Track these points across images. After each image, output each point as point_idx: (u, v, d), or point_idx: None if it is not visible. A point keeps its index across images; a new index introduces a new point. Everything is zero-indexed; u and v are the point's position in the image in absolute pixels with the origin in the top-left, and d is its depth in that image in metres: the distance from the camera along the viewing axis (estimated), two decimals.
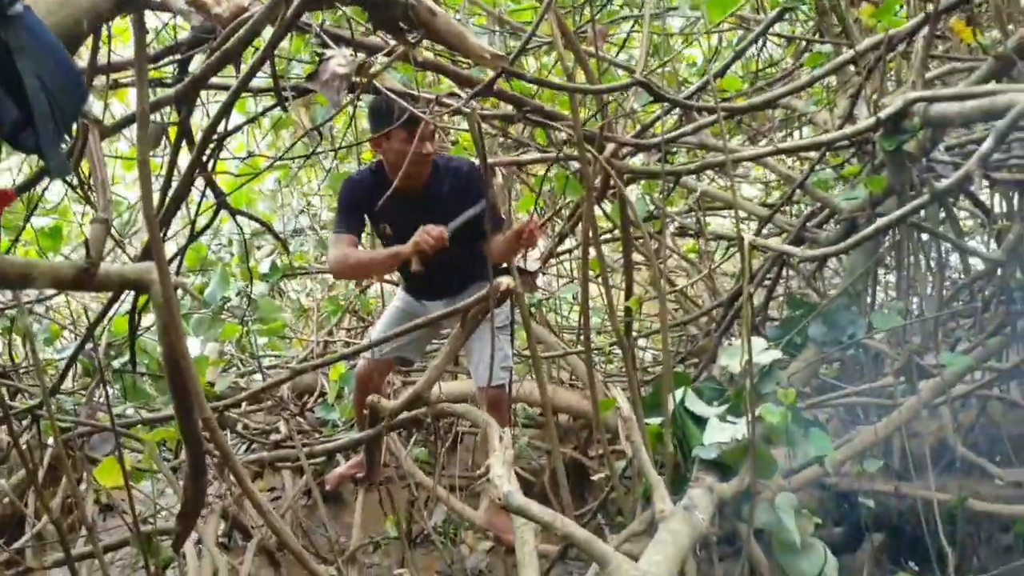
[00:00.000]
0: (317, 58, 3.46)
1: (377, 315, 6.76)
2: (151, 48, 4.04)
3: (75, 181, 3.93)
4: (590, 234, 4.16)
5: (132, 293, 4.00)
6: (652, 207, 6.10)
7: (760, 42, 6.38)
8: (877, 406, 5.10)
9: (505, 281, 4.32)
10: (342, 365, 6.31)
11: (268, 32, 3.01)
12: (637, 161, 5.29)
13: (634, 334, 5.60)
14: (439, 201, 5.11)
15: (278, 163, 6.73)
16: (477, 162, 4.80)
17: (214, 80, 3.67)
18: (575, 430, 7.63)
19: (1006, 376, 5.51)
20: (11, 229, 5.56)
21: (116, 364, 5.76)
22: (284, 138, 8.05)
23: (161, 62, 4.01)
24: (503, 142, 6.81)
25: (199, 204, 4.47)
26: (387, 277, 6.95)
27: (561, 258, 8.20)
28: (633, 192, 6.34)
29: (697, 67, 7.32)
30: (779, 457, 3.61)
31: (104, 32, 3.35)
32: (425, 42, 3.52)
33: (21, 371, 6.17)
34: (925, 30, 4.21)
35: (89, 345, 5.07)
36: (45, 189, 5.17)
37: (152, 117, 3.72)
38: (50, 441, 5.32)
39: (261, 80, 4.04)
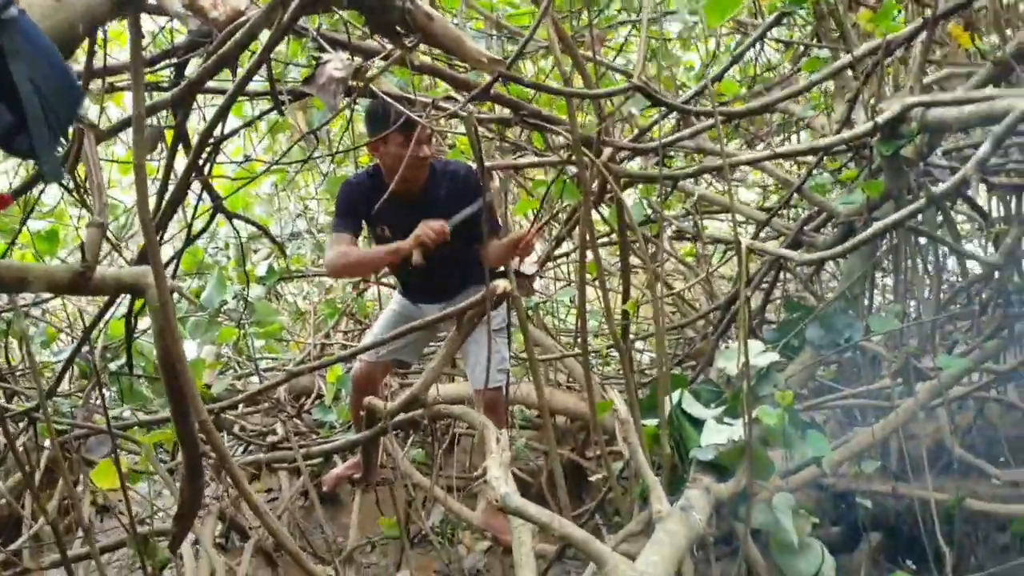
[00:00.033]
0: (314, 62, 3.46)
1: (374, 318, 6.76)
2: (147, 52, 4.05)
3: (71, 185, 3.93)
4: (587, 238, 4.16)
5: (128, 296, 4.00)
6: (649, 211, 6.11)
7: (758, 46, 6.39)
8: (874, 408, 5.10)
9: (501, 284, 4.33)
10: (339, 367, 6.32)
11: (265, 36, 3.01)
12: (634, 165, 5.29)
13: (631, 337, 5.61)
14: (436, 204, 5.11)
15: (275, 167, 6.73)
16: (474, 166, 4.81)
17: (210, 84, 3.67)
18: (572, 432, 7.63)
19: (1003, 378, 5.52)
20: (7, 232, 5.56)
21: (113, 367, 5.76)
22: (281, 142, 8.05)
23: (157, 66, 4.02)
24: (500, 146, 6.81)
25: (195, 208, 4.48)
26: (384, 280, 6.95)
27: (558, 261, 8.21)
28: (631, 196, 6.35)
29: (695, 71, 7.32)
30: (776, 458, 3.61)
31: (100, 35, 3.35)
32: (422, 46, 3.52)
33: (18, 374, 6.17)
34: (923, 35, 4.22)
35: (86, 348, 5.08)
36: (41, 192, 5.18)
37: (148, 121, 3.73)
38: (47, 443, 5.32)
39: (258, 84, 4.04)
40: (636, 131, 5.36)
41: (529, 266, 5.20)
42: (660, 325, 3.99)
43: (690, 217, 7.72)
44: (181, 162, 3.80)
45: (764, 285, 5.74)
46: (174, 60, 3.85)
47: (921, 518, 4.47)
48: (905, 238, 5.19)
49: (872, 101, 4.46)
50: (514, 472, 4.59)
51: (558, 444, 6.41)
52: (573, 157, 3.93)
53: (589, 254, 4.20)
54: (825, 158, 5.51)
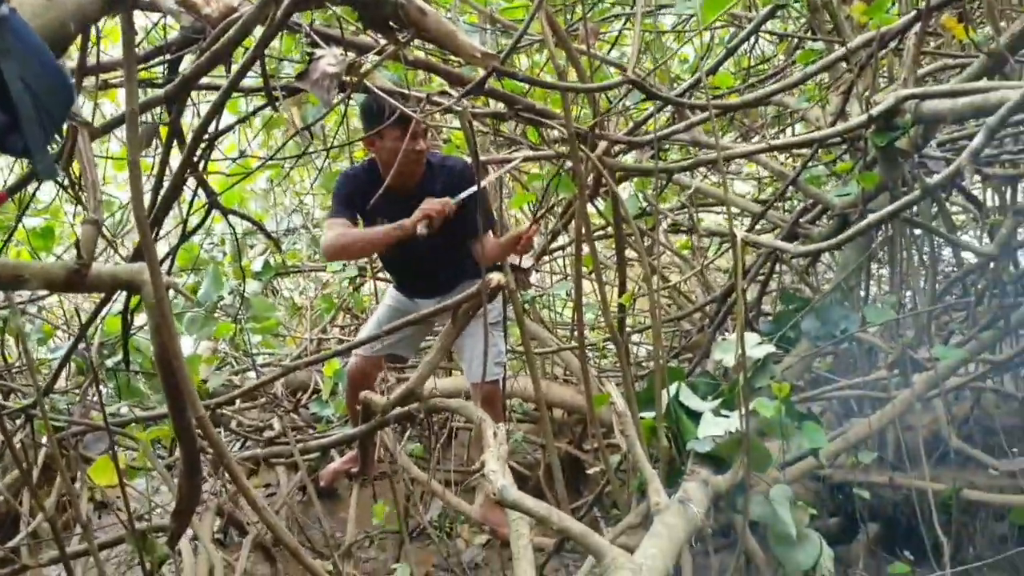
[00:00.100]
0: (307, 57, 3.46)
1: (370, 312, 6.76)
2: (140, 48, 4.04)
3: (66, 182, 3.92)
4: (583, 231, 4.16)
5: (125, 293, 4.00)
6: (645, 204, 6.10)
7: (752, 39, 6.39)
8: (871, 399, 5.12)
9: (496, 277, 4.33)
10: (336, 361, 6.32)
11: (258, 32, 3.01)
12: (629, 158, 5.29)
13: (628, 330, 5.61)
14: (433, 198, 5.11)
15: (270, 162, 6.74)
16: (470, 161, 4.80)
17: (204, 80, 3.67)
18: (570, 425, 7.63)
19: (1000, 368, 5.54)
20: (3, 229, 5.56)
21: (109, 363, 5.77)
22: (275, 137, 8.06)
23: (151, 62, 4.01)
24: (495, 140, 6.81)
25: (191, 204, 4.47)
26: (381, 275, 6.95)
27: (554, 255, 8.21)
28: (626, 189, 6.35)
29: (689, 64, 7.32)
30: (774, 450, 3.62)
31: (93, 32, 3.35)
32: (416, 41, 3.52)
33: (14, 371, 6.17)
34: (917, 27, 4.22)
35: (82, 345, 5.07)
36: (36, 189, 5.17)
37: (142, 117, 3.73)
38: (44, 440, 5.32)
39: (252, 80, 4.03)
40: (631, 125, 5.37)
41: (525, 260, 5.21)
42: (656, 318, 3.99)
43: (685, 210, 7.73)
44: (176, 158, 3.80)
45: (760, 277, 5.75)
46: (167, 57, 3.84)
47: (918, 509, 4.49)
48: (900, 229, 5.20)
49: (866, 93, 4.45)
50: (512, 465, 4.59)
51: (555, 437, 6.43)
52: (568, 151, 3.92)
53: (585, 247, 4.20)
54: (820, 150, 5.51)
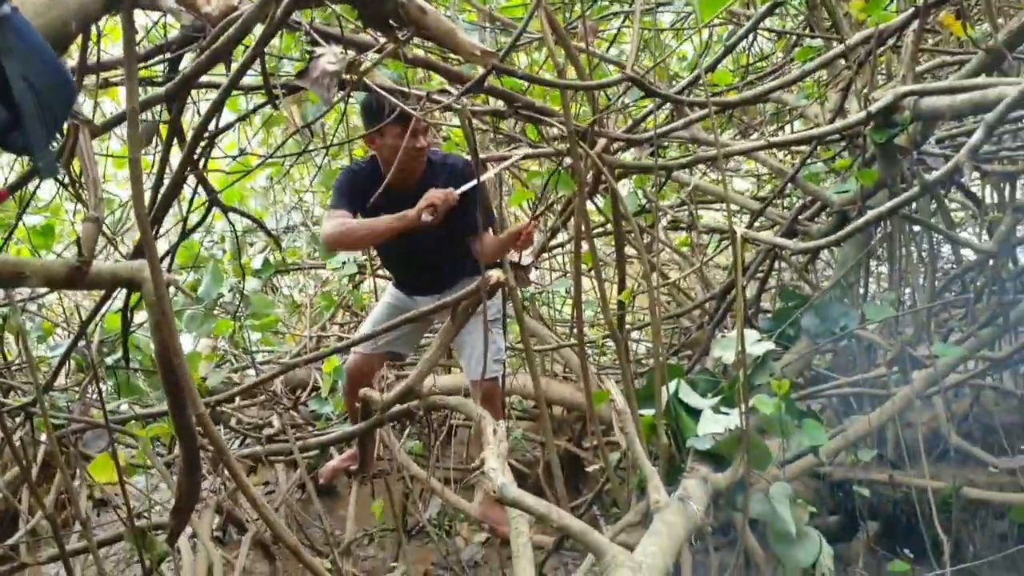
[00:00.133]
0: (307, 56, 3.46)
1: (370, 310, 6.76)
2: (141, 47, 4.05)
3: (67, 180, 3.93)
4: (582, 228, 4.16)
5: (125, 290, 4.00)
6: (644, 201, 6.11)
7: (751, 36, 6.39)
8: (871, 396, 5.12)
9: (496, 274, 4.33)
10: (335, 359, 6.32)
11: (258, 30, 3.02)
12: (629, 156, 5.28)
13: (627, 327, 5.61)
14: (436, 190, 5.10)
15: (270, 160, 6.73)
16: (470, 158, 4.80)
17: (204, 78, 3.67)
18: (569, 422, 7.63)
19: (999, 366, 5.54)
20: (3, 227, 5.57)
21: (109, 361, 5.77)
22: (275, 135, 8.05)
23: (151, 61, 4.02)
24: (495, 138, 6.81)
25: (191, 201, 4.47)
26: (380, 272, 6.95)
27: (554, 252, 8.21)
28: (625, 186, 6.35)
29: (688, 62, 7.32)
30: (773, 447, 3.62)
31: (94, 31, 3.35)
32: (415, 39, 3.52)
33: (14, 369, 6.17)
34: (915, 24, 4.22)
35: (82, 342, 5.08)
36: (37, 187, 5.17)
37: (143, 116, 3.73)
38: (43, 438, 5.33)
39: (252, 78, 4.04)
40: (630, 122, 5.37)
41: (525, 257, 5.21)
42: (656, 315, 3.99)
43: (685, 207, 7.73)
44: (176, 156, 3.80)
45: (759, 274, 5.75)
46: (168, 55, 3.85)
47: (918, 506, 4.50)
48: (899, 226, 5.20)
49: (865, 90, 4.46)
50: (511, 463, 4.60)
51: (555, 435, 6.44)
52: (567, 148, 3.93)
53: (584, 244, 4.20)
54: (819, 147, 5.52)
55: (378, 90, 3.71)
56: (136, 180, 2.58)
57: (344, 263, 7.69)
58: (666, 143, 6.47)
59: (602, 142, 4.41)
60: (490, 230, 5.17)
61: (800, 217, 5.35)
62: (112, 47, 4.81)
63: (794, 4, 6.14)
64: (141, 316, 4.95)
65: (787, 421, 3.55)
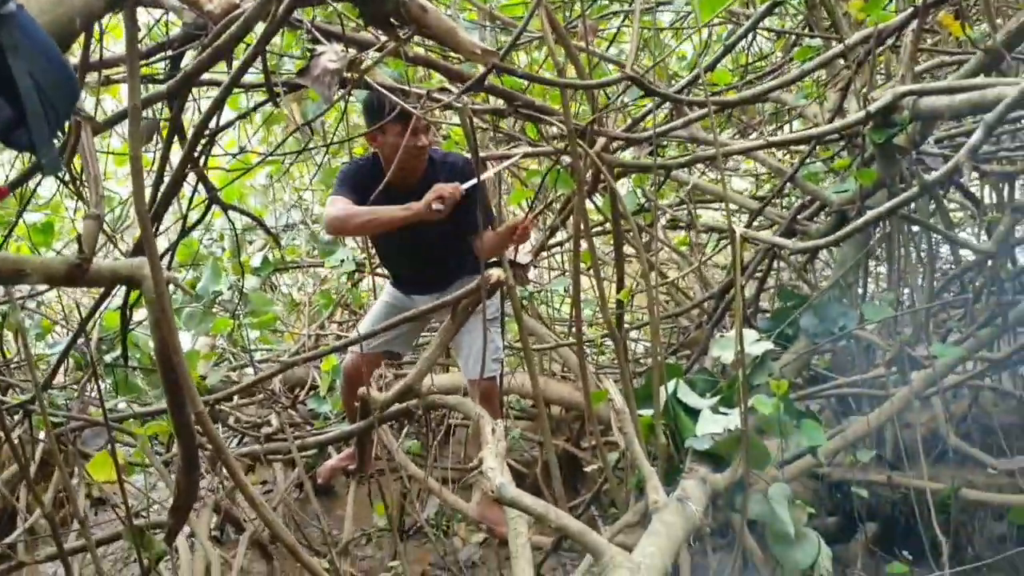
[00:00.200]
0: (308, 54, 3.46)
1: (369, 308, 6.77)
2: (143, 44, 4.05)
3: (67, 177, 3.93)
4: (581, 227, 4.17)
5: (123, 288, 4.00)
6: (643, 200, 6.11)
7: (750, 36, 6.39)
8: (869, 397, 5.13)
9: (495, 273, 4.33)
10: (334, 358, 6.32)
11: (260, 28, 3.02)
12: (628, 155, 5.29)
13: (626, 326, 5.61)
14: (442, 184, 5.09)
15: (270, 158, 6.72)
16: (470, 157, 4.80)
17: (206, 76, 3.67)
18: (567, 422, 7.63)
19: (998, 366, 5.54)
20: (4, 224, 5.56)
21: (108, 358, 5.77)
22: (276, 133, 8.06)
23: (153, 58, 4.02)
24: (494, 136, 6.81)
25: (191, 199, 4.47)
26: (379, 271, 6.95)
27: (552, 251, 8.21)
28: (624, 185, 6.35)
29: (687, 61, 7.33)
30: (772, 448, 3.62)
31: (96, 29, 3.36)
32: (416, 38, 3.52)
33: (13, 366, 6.17)
34: (914, 24, 4.23)
35: (81, 340, 5.08)
36: (38, 185, 5.17)
37: (144, 113, 3.73)
38: (42, 436, 5.33)
39: (253, 76, 4.04)
40: (629, 121, 5.37)
41: (523, 255, 5.21)
42: (654, 314, 3.99)
43: (684, 206, 7.74)
44: (176, 154, 3.80)
45: (758, 274, 5.75)
46: (169, 53, 3.85)
47: (917, 507, 4.49)
48: (898, 226, 5.21)
49: (864, 90, 4.46)
50: (509, 463, 4.61)
51: (553, 435, 6.44)
52: (567, 147, 3.93)
53: (583, 243, 4.20)
54: (818, 147, 5.52)
55: (379, 88, 3.71)
56: (137, 177, 2.59)
57: (342, 261, 7.69)
58: (665, 142, 6.48)
59: (601, 141, 4.41)
60: (489, 228, 5.17)
61: (799, 217, 5.36)
62: (114, 44, 4.82)
63: (793, 4, 6.14)
64: (140, 314, 4.95)
65: (786, 421, 3.55)
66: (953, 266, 6.33)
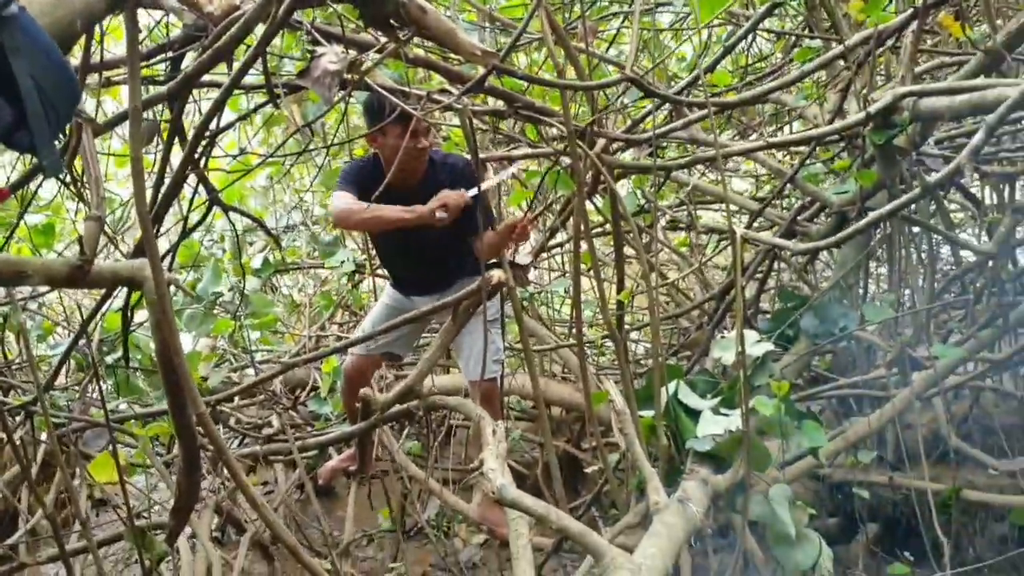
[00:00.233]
0: (308, 55, 3.47)
1: (369, 309, 6.76)
2: (143, 46, 4.05)
3: (68, 178, 3.93)
4: (581, 228, 4.17)
5: (124, 289, 4.00)
6: (643, 201, 6.11)
7: (750, 37, 6.39)
8: (870, 398, 5.13)
9: (496, 274, 4.33)
10: (335, 359, 6.32)
11: (260, 30, 3.02)
12: (628, 156, 5.29)
13: (626, 327, 5.61)
14: (435, 195, 5.09)
15: (270, 160, 6.73)
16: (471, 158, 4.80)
17: (206, 77, 3.68)
18: (568, 423, 7.63)
19: (998, 367, 5.53)
20: (5, 226, 5.57)
21: (109, 360, 5.77)
22: (276, 135, 8.06)
23: (153, 60, 4.02)
24: (494, 138, 6.81)
25: (191, 201, 4.48)
26: (380, 272, 6.95)
27: (553, 252, 8.21)
28: (624, 186, 6.35)
29: (687, 62, 7.33)
30: (773, 449, 3.62)
31: (97, 30, 3.36)
32: (416, 39, 3.52)
33: (15, 368, 6.17)
34: (914, 25, 4.22)
35: (83, 341, 5.08)
36: (39, 186, 5.17)
37: (144, 114, 3.73)
38: (44, 437, 5.33)
39: (253, 77, 4.04)
40: (629, 122, 5.37)
41: (524, 256, 5.21)
42: (655, 315, 3.99)
43: (684, 207, 7.73)
44: (177, 155, 3.80)
45: (758, 275, 5.75)
46: (170, 54, 3.85)
47: (918, 508, 4.49)
48: (899, 227, 5.20)
49: (864, 91, 4.46)
50: (510, 464, 4.61)
51: (553, 436, 6.44)
52: (567, 148, 3.93)
53: (583, 244, 4.20)
54: (818, 148, 5.52)
55: (379, 90, 3.71)
56: (138, 179, 2.59)
57: (343, 262, 7.70)
58: (665, 143, 6.47)
59: (601, 142, 4.41)
60: (489, 229, 5.17)
61: (799, 218, 5.36)
62: (114, 46, 4.82)
63: (793, 5, 6.14)
64: (141, 315, 4.95)
65: (787, 422, 3.55)
66: (954, 267, 6.32)
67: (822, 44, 5.48)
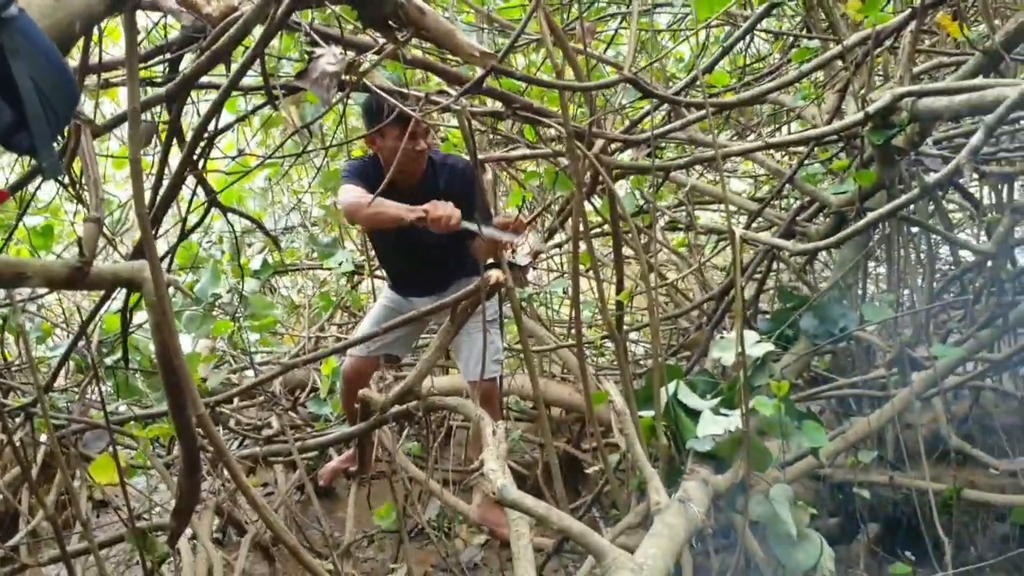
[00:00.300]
0: (307, 56, 3.46)
1: (368, 310, 6.76)
2: (142, 47, 4.05)
3: (67, 180, 3.93)
4: (580, 229, 4.17)
5: (123, 290, 4.00)
6: (642, 201, 6.11)
7: (748, 38, 6.40)
8: (870, 398, 5.12)
9: (494, 275, 4.33)
10: (334, 360, 6.32)
11: (258, 31, 3.02)
12: (626, 156, 5.29)
13: (625, 328, 5.61)
14: (434, 197, 5.07)
15: (269, 161, 6.73)
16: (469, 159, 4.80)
17: (204, 79, 3.68)
18: (568, 423, 7.63)
19: (998, 367, 5.53)
20: (4, 228, 5.57)
21: (109, 361, 5.77)
22: (274, 136, 8.05)
23: (152, 61, 4.02)
24: (493, 139, 6.81)
25: (190, 202, 4.47)
26: (378, 273, 6.94)
27: (551, 252, 8.21)
28: (623, 187, 6.35)
29: (685, 63, 7.33)
30: (773, 449, 3.62)
31: (96, 32, 3.35)
32: (414, 40, 3.52)
33: (14, 369, 6.17)
34: (912, 25, 4.23)
35: (82, 342, 5.08)
36: (38, 188, 5.17)
37: (143, 116, 3.73)
38: (44, 438, 5.33)
39: (251, 79, 4.04)
40: (627, 123, 5.37)
41: (522, 257, 5.21)
42: (654, 315, 3.99)
43: (682, 207, 7.73)
44: (176, 157, 3.80)
45: (757, 275, 5.75)
46: (168, 56, 3.85)
47: (919, 508, 4.50)
48: (898, 227, 5.20)
49: (862, 91, 4.47)
50: (510, 465, 4.60)
51: (553, 436, 6.43)
52: (565, 149, 3.93)
53: (582, 245, 4.20)
54: (816, 148, 5.52)
55: (377, 91, 3.71)
56: (136, 180, 2.59)
57: (341, 263, 7.69)
58: (663, 144, 6.48)
59: (600, 143, 4.42)
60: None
61: (798, 218, 5.37)
62: (113, 47, 4.82)
63: (791, 5, 6.14)
64: (140, 316, 4.95)
65: (787, 423, 3.55)
66: (953, 267, 6.32)
67: (820, 44, 5.49)
